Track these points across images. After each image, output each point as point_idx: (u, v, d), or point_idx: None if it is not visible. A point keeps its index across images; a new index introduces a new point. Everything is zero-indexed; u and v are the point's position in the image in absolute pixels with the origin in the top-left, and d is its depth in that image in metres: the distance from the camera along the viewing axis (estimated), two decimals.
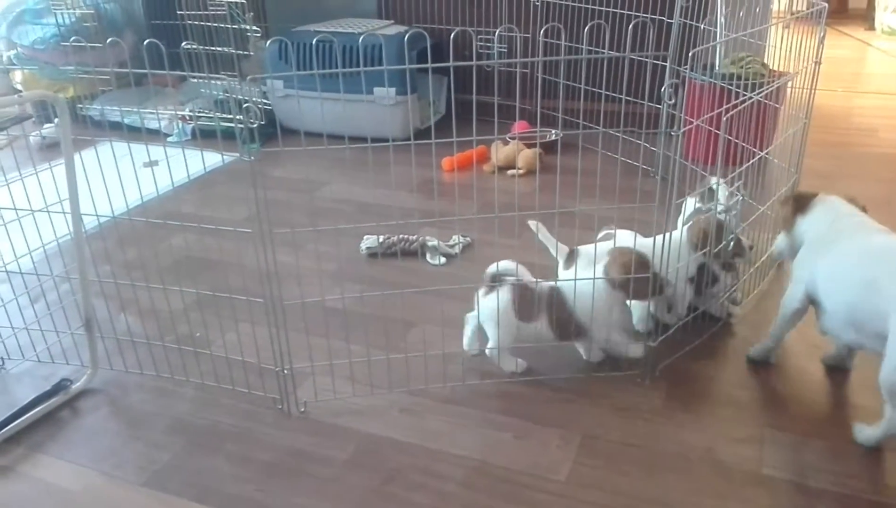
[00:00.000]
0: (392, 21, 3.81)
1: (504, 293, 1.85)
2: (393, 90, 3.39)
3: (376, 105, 3.38)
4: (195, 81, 3.64)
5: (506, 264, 1.89)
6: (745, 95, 2.17)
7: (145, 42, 1.49)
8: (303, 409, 1.81)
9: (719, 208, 1.98)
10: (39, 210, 1.80)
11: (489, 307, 1.86)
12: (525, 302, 1.85)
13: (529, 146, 3.23)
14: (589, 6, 3.32)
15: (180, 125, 3.61)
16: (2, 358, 2.02)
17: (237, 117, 1.49)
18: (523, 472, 1.60)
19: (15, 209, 1.82)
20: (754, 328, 2.10)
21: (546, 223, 2.10)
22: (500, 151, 3.22)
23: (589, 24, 1.78)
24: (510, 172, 3.19)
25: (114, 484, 1.62)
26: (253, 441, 1.72)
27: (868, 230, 1.76)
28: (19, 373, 2.00)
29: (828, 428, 1.72)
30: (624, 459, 1.63)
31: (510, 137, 3.33)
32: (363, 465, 1.64)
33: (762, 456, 1.63)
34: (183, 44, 1.73)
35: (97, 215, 1.75)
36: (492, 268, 1.89)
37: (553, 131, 3.33)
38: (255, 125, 1.47)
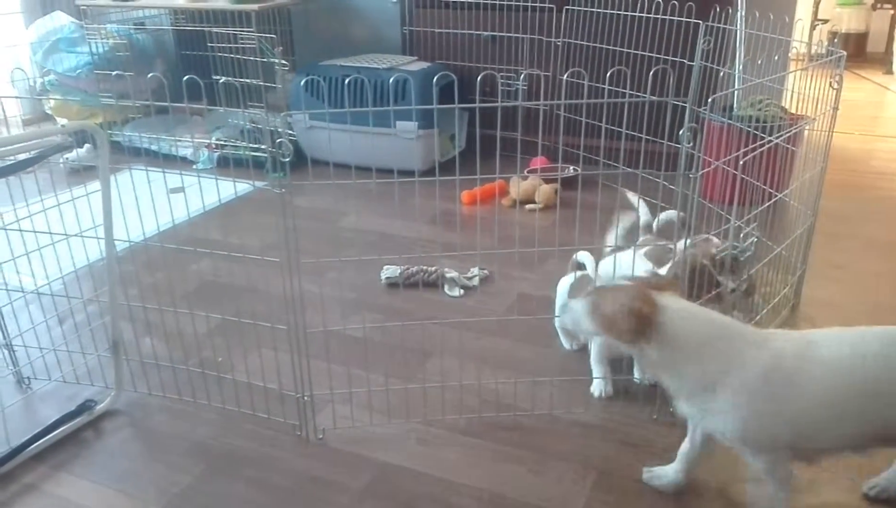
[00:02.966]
0: (416, 57, 3.90)
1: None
2: (416, 124, 3.46)
3: (399, 138, 3.45)
4: (222, 110, 3.72)
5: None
6: (762, 138, 2.21)
7: (184, 78, 1.56)
8: (321, 436, 1.84)
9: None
10: (74, 235, 1.85)
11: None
12: None
13: (548, 182, 3.28)
14: (611, 47, 3.38)
15: (206, 153, 3.69)
16: (28, 378, 2.06)
17: (268, 149, 1.54)
18: (538, 506, 1.62)
19: (50, 233, 1.88)
20: None
21: (565, 259, 2.14)
22: (519, 186, 3.27)
23: (611, 70, 1.83)
24: (528, 206, 3.23)
25: (134, 505, 1.65)
26: (271, 467, 1.75)
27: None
28: (44, 393, 2.04)
29: (842, 468, 1.72)
30: (638, 495, 1.64)
31: (529, 173, 3.38)
32: (379, 494, 1.66)
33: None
34: (221, 79, 1.79)
35: (129, 240, 1.81)
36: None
37: (571, 167, 3.37)
38: (287, 159, 1.52)
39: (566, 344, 2.13)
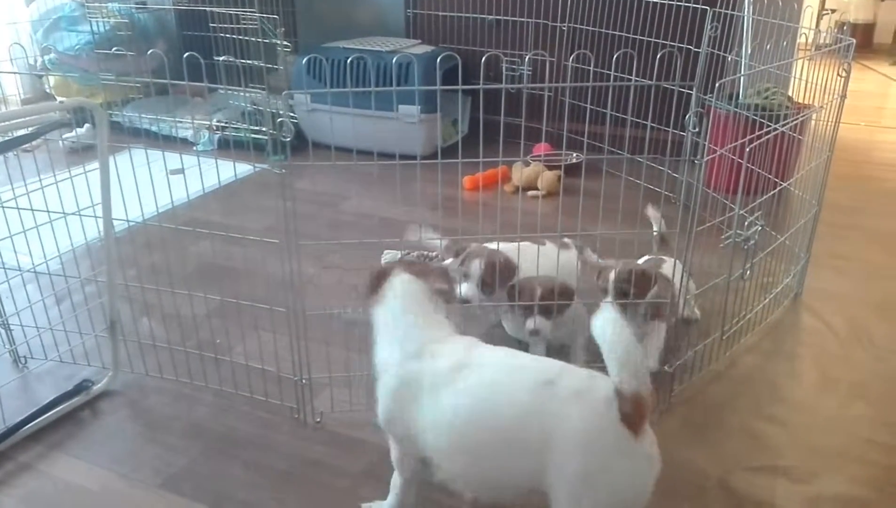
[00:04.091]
0: (419, 41, 3.86)
1: None
2: (418, 108, 3.43)
3: (400, 122, 3.42)
4: (223, 91, 3.70)
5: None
6: (768, 126, 2.19)
7: (185, 55, 1.54)
8: (318, 419, 1.83)
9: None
10: (72, 213, 1.84)
11: None
12: None
13: (551, 168, 3.25)
14: (616, 32, 3.35)
15: (207, 134, 3.67)
16: (24, 357, 2.05)
17: (269, 131, 1.52)
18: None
19: (48, 212, 1.86)
20: (767, 356, 2.11)
21: (567, 245, 2.12)
22: (521, 173, 3.25)
23: (618, 53, 1.81)
24: (530, 193, 3.21)
25: (131, 485, 1.64)
26: (269, 449, 1.74)
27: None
28: (41, 373, 2.03)
29: (842, 460, 1.71)
30: None
31: (532, 159, 3.36)
32: (377, 477, 1.65)
33: (776, 486, 1.63)
34: (222, 58, 1.77)
35: (127, 220, 1.79)
36: None
37: (574, 154, 3.35)
38: (288, 139, 1.50)
39: None
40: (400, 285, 1.43)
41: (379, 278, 1.45)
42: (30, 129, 1.63)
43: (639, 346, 1.17)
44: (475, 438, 1.28)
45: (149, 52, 1.67)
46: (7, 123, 1.52)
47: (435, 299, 1.45)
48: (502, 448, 1.25)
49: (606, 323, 1.16)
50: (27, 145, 1.70)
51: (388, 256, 2.58)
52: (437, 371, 1.33)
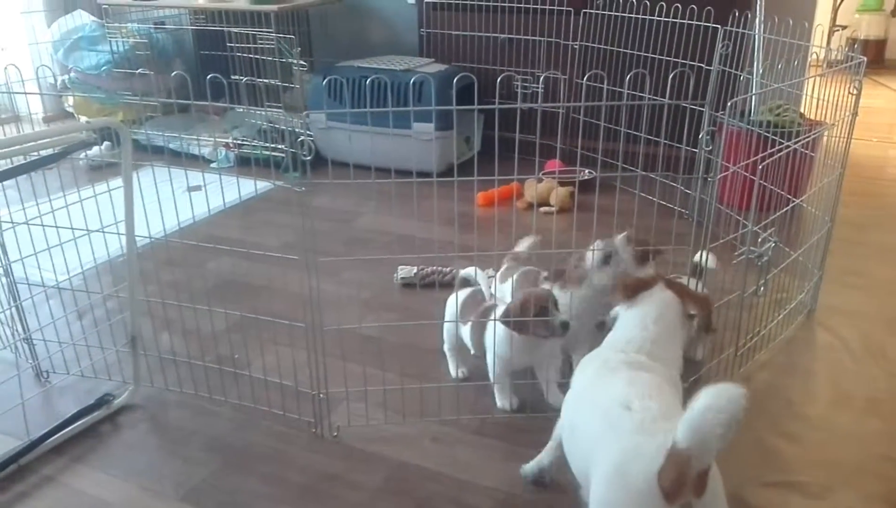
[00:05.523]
0: (433, 59, 3.91)
1: None
2: (432, 126, 3.47)
3: (413, 140, 3.46)
4: (240, 110, 3.75)
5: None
6: (780, 143, 2.20)
7: (208, 77, 1.58)
8: (336, 434, 1.85)
9: None
10: (96, 230, 1.87)
11: None
12: None
13: (563, 184, 3.28)
14: (629, 51, 3.38)
15: (224, 152, 3.72)
16: (47, 372, 2.08)
17: (289, 149, 1.56)
18: (550, 506, 1.62)
19: (71, 229, 1.90)
20: (782, 372, 2.11)
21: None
22: (535, 189, 3.27)
23: (632, 72, 1.84)
24: (543, 209, 3.23)
25: (151, 498, 1.67)
26: (286, 463, 1.76)
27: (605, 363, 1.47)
28: (63, 387, 2.06)
29: (856, 476, 1.71)
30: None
31: (543, 176, 3.38)
32: (394, 491, 1.67)
33: (790, 502, 1.63)
34: (244, 79, 1.81)
35: (150, 237, 1.83)
36: None
37: (586, 171, 3.37)
38: (308, 157, 1.54)
39: (452, 372, 2.07)
40: (665, 300, 1.53)
41: (640, 286, 1.56)
42: (56, 149, 1.67)
43: (729, 434, 1.07)
44: (570, 416, 1.44)
45: (173, 74, 1.71)
46: (36, 143, 1.56)
47: (685, 322, 1.54)
48: (576, 435, 1.39)
49: (726, 392, 1.06)
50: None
51: (403, 271, 2.61)
52: (602, 353, 1.50)
